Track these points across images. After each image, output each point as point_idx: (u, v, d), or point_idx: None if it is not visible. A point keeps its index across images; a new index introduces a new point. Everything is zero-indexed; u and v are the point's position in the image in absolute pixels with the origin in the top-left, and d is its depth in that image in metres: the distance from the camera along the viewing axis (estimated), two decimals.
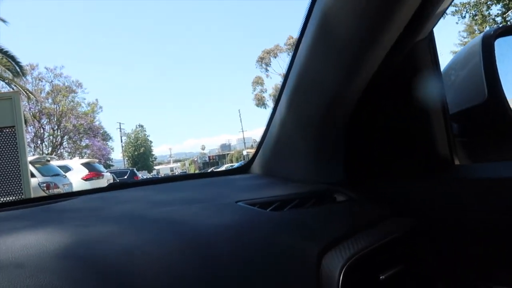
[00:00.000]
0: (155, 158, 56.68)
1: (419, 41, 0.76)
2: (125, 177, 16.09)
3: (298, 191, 0.82)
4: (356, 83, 0.75)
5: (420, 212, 0.75)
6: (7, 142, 4.45)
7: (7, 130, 4.50)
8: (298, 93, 0.87)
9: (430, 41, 0.79)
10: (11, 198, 4.29)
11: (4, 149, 4.41)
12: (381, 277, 0.62)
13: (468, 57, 0.92)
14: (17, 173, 4.40)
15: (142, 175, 29.98)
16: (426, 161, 0.83)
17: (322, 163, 0.91)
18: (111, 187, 1.00)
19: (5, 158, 4.39)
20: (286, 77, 0.90)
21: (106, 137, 32.00)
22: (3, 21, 16.78)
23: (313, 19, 0.74)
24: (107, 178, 11.70)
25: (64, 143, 26.67)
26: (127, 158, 47.20)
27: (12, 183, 4.38)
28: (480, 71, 0.85)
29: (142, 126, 51.93)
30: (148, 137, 51.53)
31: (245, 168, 1.18)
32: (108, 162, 31.22)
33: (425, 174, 0.81)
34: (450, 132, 0.83)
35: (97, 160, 16.41)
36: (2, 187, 4.34)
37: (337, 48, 0.72)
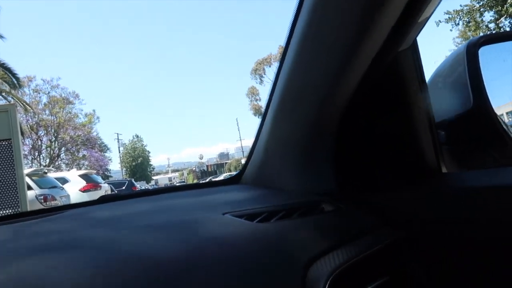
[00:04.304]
0: (153, 168, 56.56)
1: (402, 51, 0.76)
2: (123, 187, 16.05)
3: (287, 202, 0.81)
4: (342, 93, 0.75)
5: (408, 222, 0.75)
6: (3, 155, 4.43)
7: (3, 143, 4.49)
8: (286, 103, 0.88)
9: (414, 50, 0.79)
10: (7, 211, 4.26)
11: (0, 162, 4.40)
12: None
13: (454, 65, 0.93)
14: (13, 186, 4.38)
15: (140, 185, 29.87)
16: (414, 169, 0.83)
17: (311, 173, 0.91)
18: (103, 200, 0.99)
19: (1, 171, 4.37)
20: (273, 87, 0.91)
21: (103, 148, 31.96)
22: (1, 36, 16.87)
23: (298, 28, 0.75)
24: (105, 189, 11.68)
25: (61, 155, 26.63)
26: (125, 168, 47.11)
27: (8, 197, 4.35)
28: (465, 79, 0.86)
29: (138, 136, 52.06)
30: (145, 147, 51.56)
31: (236, 179, 1.18)
32: (106, 173, 31.13)
33: (412, 182, 0.81)
34: (437, 140, 0.83)
35: (95, 171, 16.37)
36: None
37: (321, 58, 0.73)
